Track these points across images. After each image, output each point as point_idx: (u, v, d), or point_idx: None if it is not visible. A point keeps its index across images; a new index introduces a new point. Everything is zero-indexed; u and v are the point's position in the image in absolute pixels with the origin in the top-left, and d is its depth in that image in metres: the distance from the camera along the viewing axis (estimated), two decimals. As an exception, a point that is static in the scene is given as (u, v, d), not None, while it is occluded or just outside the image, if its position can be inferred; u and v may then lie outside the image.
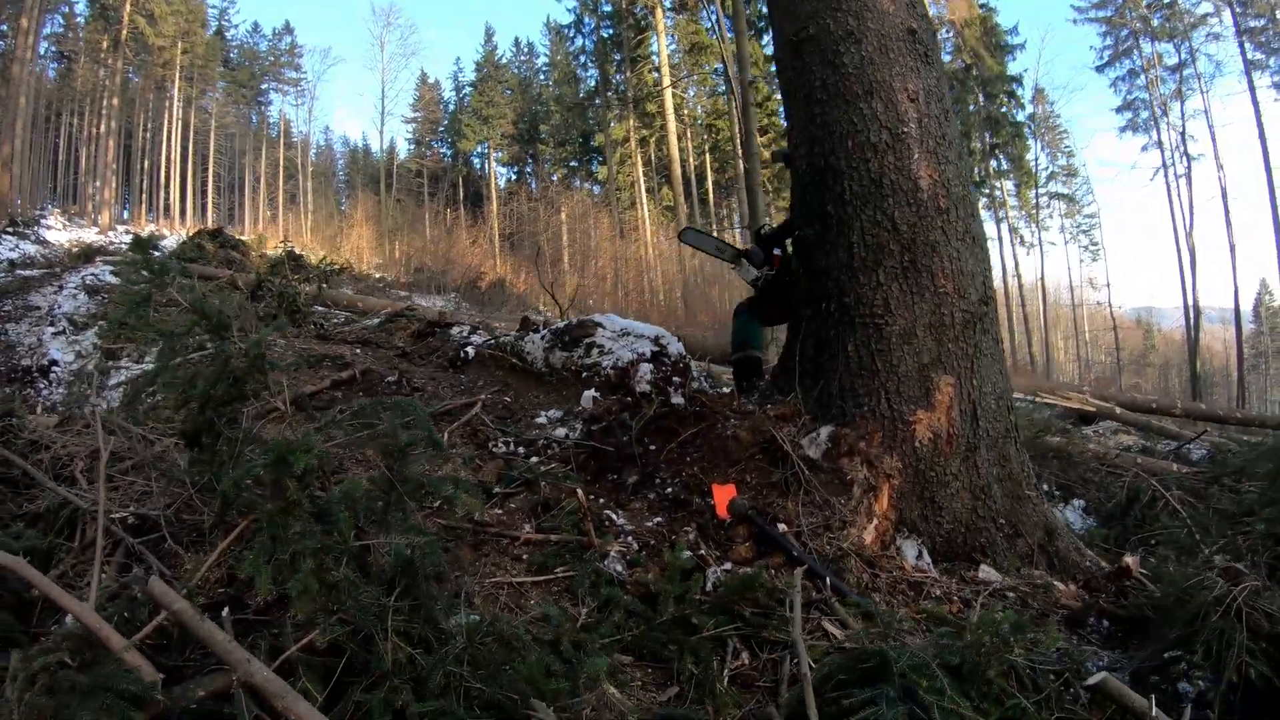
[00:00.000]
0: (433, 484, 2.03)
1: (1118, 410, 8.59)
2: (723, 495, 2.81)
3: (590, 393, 3.82)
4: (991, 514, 2.75)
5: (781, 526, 2.63)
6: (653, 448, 3.14)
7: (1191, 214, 23.29)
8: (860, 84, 2.88)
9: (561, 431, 3.56)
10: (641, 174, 32.47)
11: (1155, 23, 24.22)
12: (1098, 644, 2.43)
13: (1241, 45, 22.36)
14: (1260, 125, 21.70)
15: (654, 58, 31.54)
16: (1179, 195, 23.91)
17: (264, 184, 35.52)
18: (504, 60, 39.59)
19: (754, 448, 2.99)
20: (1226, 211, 22.99)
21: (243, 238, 15.75)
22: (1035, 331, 28.08)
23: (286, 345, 4.32)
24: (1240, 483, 4.02)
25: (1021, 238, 29.55)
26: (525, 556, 2.43)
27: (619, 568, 2.34)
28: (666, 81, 28.74)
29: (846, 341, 2.85)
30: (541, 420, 3.83)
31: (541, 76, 39.47)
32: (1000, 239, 28.08)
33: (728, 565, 2.48)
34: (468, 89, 39.32)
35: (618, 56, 32.92)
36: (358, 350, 5.12)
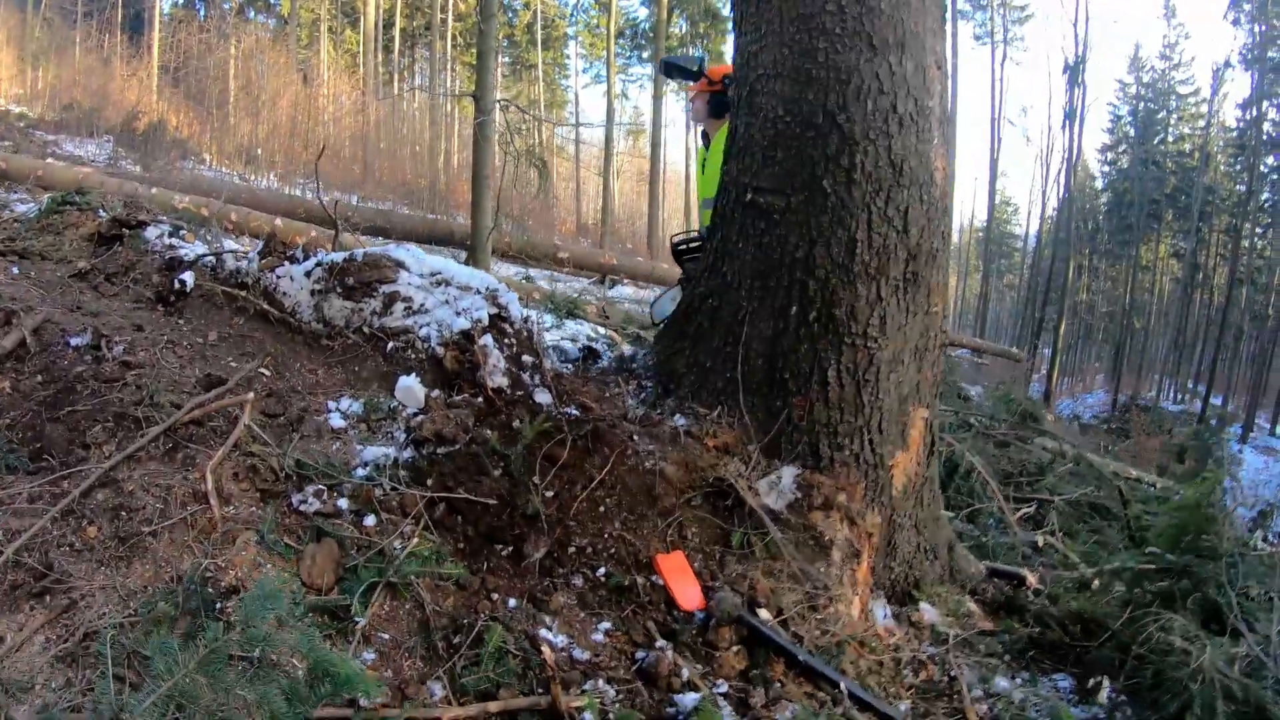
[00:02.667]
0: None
1: None
2: (672, 570, 2.23)
3: (410, 382, 2.70)
4: (924, 545, 2.71)
5: (764, 613, 2.18)
6: (550, 494, 2.32)
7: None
8: (892, 29, 2.24)
9: (383, 452, 2.44)
10: (326, 11, 26.65)
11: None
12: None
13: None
14: (954, 69, 26.32)
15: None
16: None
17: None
18: None
19: (690, 491, 2.41)
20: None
21: None
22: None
23: None
24: (991, 430, 4.93)
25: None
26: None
27: (617, 755, 1.63)
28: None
29: (827, 364, 2.38)
30: (336, 420, 2.63)
31: (224, -115, 29.63)
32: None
33: (723, 686, 1.95)
34: (135, -114, 27.77)
35: None
36: (13, 268, 3.02)
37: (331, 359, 2.93)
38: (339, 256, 3.10)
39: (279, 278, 3.15)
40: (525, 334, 3.00)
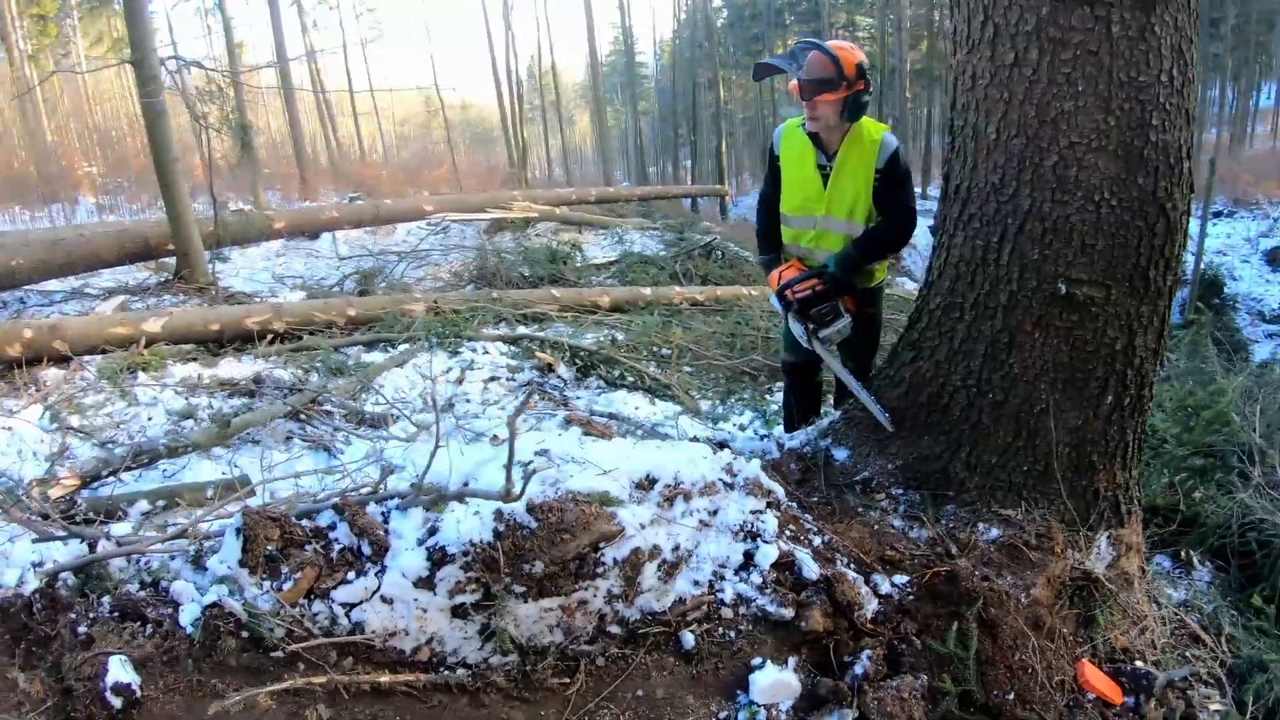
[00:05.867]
0: None
1: (558, 211, 9.25)
2: (1095, 680, 2.29)
3: (772, 675, 1.86)
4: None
5: (1139, 664, 2.42)
6: (1011, 696, 2.04)
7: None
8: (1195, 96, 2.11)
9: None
10: None
11: None
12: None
13: None
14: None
15: None
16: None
17: None
18: None
19: (1056, 601, 2.38)
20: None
21: None
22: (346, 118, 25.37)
23: None
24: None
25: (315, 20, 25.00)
26: None
27: None
28: None
29: (1129, 437, 2.39)
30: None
31: None
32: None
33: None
34: None
35: None
36: None
37: (585, 704, 1.78)
38: (479, 532, 1.72)
39: (346, 609, 1.67)
40: (789, 507, 2.24)
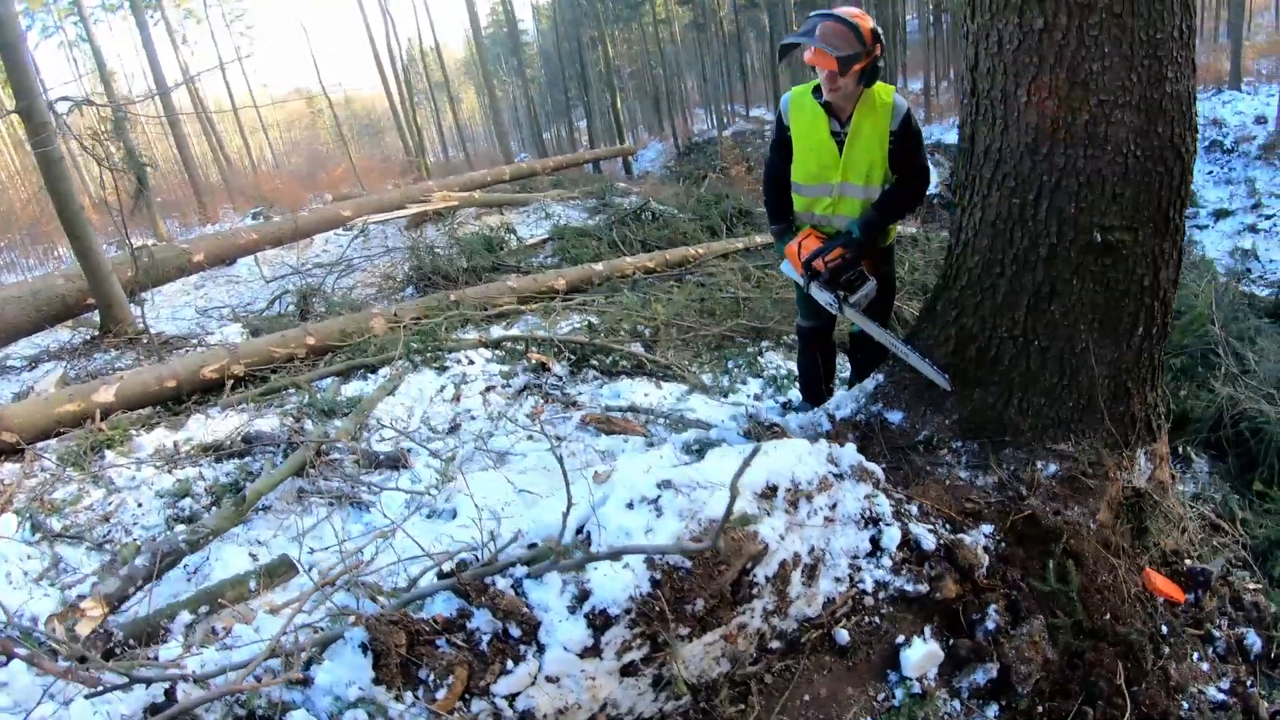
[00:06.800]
0: None
1: (477, 195, 8.78)
2: (1159, 582, 2.57)
3: (919, 649, 1.99)
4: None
5: (1188, 563, 2.72)
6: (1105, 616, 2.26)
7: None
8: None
9: None
10: None
11: None
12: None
13: None
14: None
15: None
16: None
17: None
18: None
19: (1114, 521, 2.63)
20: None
21: None
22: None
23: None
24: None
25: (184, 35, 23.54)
26: None
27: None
28: None
29: (1155, 356, 2.61)
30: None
31: None
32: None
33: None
34: None
35: None
36: None
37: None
38: (637, 586, 1.68)
39: (508, 700, 1.61)
40: (886, 484, 2.31)
